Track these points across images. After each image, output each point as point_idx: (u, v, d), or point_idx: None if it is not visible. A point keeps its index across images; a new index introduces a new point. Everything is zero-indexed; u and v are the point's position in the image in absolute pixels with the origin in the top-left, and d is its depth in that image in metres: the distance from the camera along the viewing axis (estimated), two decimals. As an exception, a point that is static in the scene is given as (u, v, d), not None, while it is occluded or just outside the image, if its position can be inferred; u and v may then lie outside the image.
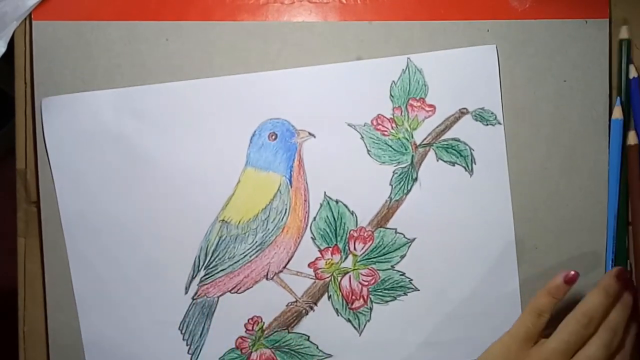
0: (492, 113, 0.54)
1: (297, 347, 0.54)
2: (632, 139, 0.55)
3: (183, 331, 0.54)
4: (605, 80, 0.55)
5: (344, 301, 0.54)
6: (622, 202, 0.55)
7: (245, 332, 0.54)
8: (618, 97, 0.55)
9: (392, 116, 0.54)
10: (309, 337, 0.54)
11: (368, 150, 0.54)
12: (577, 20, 0.55)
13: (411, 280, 0.54)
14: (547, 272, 0.55)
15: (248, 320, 0.54)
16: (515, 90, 0.54)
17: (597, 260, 0.55)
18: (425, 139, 0.54)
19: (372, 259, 0.54)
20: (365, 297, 0.54)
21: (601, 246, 0.55)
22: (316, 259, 0.54)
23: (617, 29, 0.55)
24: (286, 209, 0.54)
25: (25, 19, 0.52)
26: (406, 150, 0.54)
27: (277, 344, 0.54)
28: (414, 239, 0.54)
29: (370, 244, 0.54)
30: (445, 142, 0.54)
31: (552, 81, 0.55)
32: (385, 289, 0.54)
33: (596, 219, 0.55)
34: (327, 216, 0.54)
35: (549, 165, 0.55)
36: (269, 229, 0.54)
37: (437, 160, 0.54)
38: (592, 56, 0.55)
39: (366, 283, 0.54)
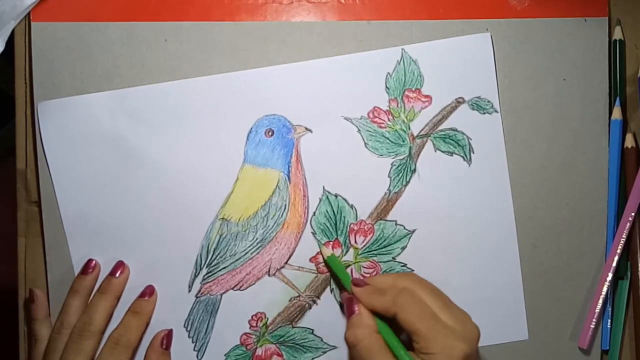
0: (488, 102, 0.54)
1: (302, 340, 0.54)
2: (629, 141, 0.55)
3: (188, 329, 0.54)
4: (605, 78, 0.55)
5: (347, 294, 0.54)
6: (622, 201, 0.55)
7: (250, 328, 0.54)
8: (618, 98, 0.55)
9: (388, 108, 0.54)
10: (313, 330, 0.54)
11: (365, 143, 0.54)
12: (576, 19, 0.55)
13: (412, 270, 0.54)
14: (546, 271, 0.55)
15: (252, 317, 0.54)
16: (515, 88, 0.55)
17: (597, 260, 0.55)
18: (422, 129, 0.54)
19: (373, 252, 0.54)
20: (367, 289, 0.54)
21: (601, 246, 0.55)
22: (317, 253, 0.54)
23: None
24: (285, 205, 0.54)
25: (25, 19, 0.53)
26: (403, 141, 0.54)
27: (281, 339, 0.54)
28: (414, 231, 0.54)
29: (371, 237, 0.54)
30: (443, 132, 0.54)
31: (552, 80, 0.55)
32: (387, 281, 0.54)
33: (596, 218, 0.55)
34: (326, 210, 0.54)
35: (548, 164, 0.55)
36: (269, 226, 0.54)
37: (435, 151, 0.54)
38: (592, 55, 0.55)
39: (368, 275, 0.54)
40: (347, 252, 0.54)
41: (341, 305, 0.54)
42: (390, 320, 0.47)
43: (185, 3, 0.54)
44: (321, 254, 0.54)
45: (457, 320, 0.46)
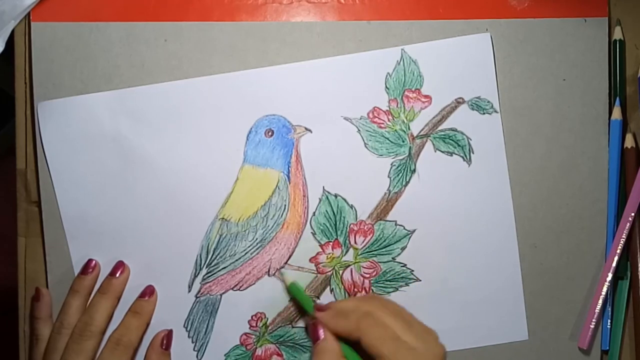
0: (488, 102, 0.54)
1: (302, 340, 0.54)
2: (629, 142, 0.55)
3: (188, 329, 0.54)
4: (605, 78, 0.55)
5: (347, 294, 0.54)
6: (622, 201, 0.55)
7: (250, 328, 0.54)
8: (617, 98, 0.55)
9: (388, 108, 0.54)
10: (312, 331, 0.54)
11: (365, 144, 0.54)
12: (576, 19, 0.55)
13: (412, 271, 0.54)
14: (546, 271, 0.55)
15: (252, 317, 0.54)
16: (515, 89, 0.55)
17: (597, 260, 0.55)
18: (422, 130, 0.54)
19: (373, 252, 0.54)
20: (367, 288, 0.54)
21: (601, 246, 0.55)
22: (317, 253, 0.54)
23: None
24: (285, 205, 0.54)
25: (25, 19, 0.53)
26: (403, 142, 0.54)
27: (281, 339, 0.54)
28: (414, 231, 0.54)
29: (371, 237, 0.54)
30: (443, 133, 0.54)
31: (552, 80, 0.55)
32: (386, 281, 0.54)
33: (596, 219, 0.55)
34: (326, 211, 0.54)
35: (548, 164, 0.55)
36: (268, 226, 0.54)
37: (435, 151, 0.54)
38: (592, 55, 0.55)
39: (368, 275, 0.54)
40: (347, 252, 0.54)
41: (306, 329, 0.54)
42: (355, 344, 0.47)
43: (185, 3, 0.54)
44: (283, 281, 0.54)
45: (420, 340, 0.46)
